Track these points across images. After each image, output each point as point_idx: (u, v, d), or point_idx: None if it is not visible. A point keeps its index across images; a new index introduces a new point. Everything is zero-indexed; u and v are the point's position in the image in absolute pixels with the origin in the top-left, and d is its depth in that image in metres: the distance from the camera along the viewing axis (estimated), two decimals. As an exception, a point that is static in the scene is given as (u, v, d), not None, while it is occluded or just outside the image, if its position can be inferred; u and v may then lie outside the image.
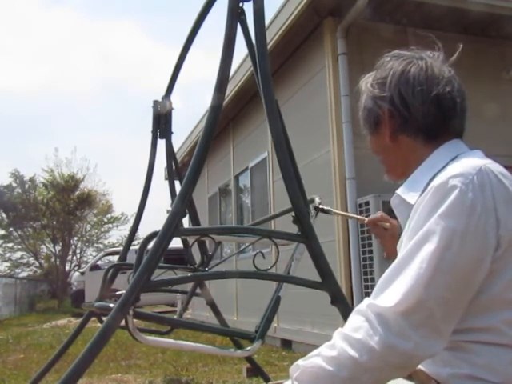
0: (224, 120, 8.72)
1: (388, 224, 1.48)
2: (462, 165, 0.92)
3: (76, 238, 25.79)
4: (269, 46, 5.03)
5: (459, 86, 1.07)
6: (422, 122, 1.03)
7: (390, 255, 1.46)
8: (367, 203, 5.06)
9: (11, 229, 24.29)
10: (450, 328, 0.87)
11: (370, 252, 4.95)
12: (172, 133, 3.70)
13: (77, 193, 23.69)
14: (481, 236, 0.85)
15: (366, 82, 1.12)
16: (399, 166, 1.08)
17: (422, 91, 1.02)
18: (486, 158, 0.98)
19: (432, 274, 0.84)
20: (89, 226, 26.38)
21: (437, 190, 0.89)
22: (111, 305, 2.17)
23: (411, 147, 1.05)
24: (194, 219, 3.73)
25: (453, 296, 0.85)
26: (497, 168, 0.93)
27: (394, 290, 0.86)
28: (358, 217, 1.94)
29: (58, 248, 24.23)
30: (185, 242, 3.66)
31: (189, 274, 3.31)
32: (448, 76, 1.05)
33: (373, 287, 0.96)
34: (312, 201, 2.39)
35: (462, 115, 1.09)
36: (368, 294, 0.97)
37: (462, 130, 1.10)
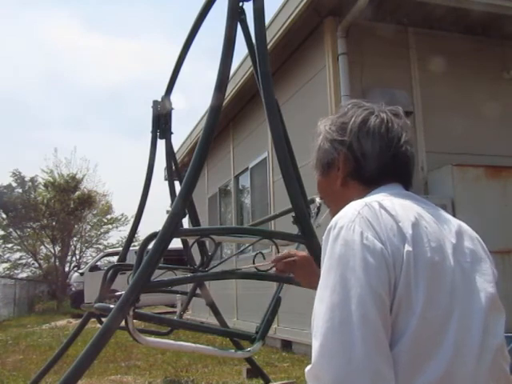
0: (224, 120, 8.72)
1: (295, 257, 1.48)
2: (350, 206, 0.94)
3: (76, 239, 25.79)
4: (269, 46, 5.01)
5: (410, 137, 1.10)
6: (375, 171, 1.05)
7: (305, 286, 1.48)
8: (367, 203, 5.05)
9: (10, 229, 24.28)
10: None
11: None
12: (172, 133, 3.70)
13: (77, 193, 23.69)
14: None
15: (325, 124, 1.15)
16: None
17: (380, 143, 1.05)
18: (384, 195, 0.99)
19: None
20: (88, 227, 26.39)
21: (326, 232, 0.92)
22: (111, 306, 2.17)
23: (359, 192, 1.06)
24: (194, 219, 3.72)
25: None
26: (386, 203, 0.93)
27: (313, 349, 0.86)
28: (263, 263, 1.78)
29: (57, 249, 24.23)
30: (185, 242, 3.65)
31: (189, 275, 3.30)
32: (406, 131, 1.08)
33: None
34: (312, 201, 2.39)
35: (413, 165, 1.10)
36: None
37: (410, 176, 1.10)
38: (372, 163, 1.05)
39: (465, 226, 1.04)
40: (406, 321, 0.84)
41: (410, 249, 0.87)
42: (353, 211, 0.91)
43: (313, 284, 1.28)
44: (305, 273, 1.46)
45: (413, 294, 0.85)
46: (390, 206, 0.92)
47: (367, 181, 1.06)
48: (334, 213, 1.11)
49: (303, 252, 1.49)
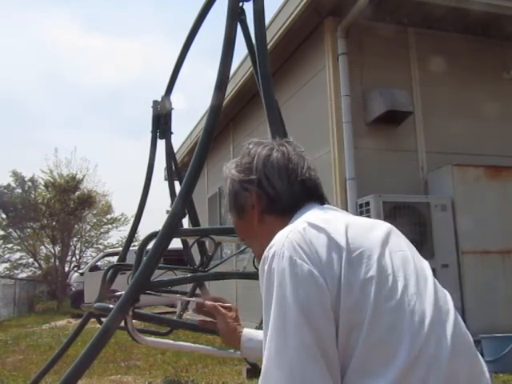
0: (224, 120, 8.72)
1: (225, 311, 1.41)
2: (279, 233, 0.97)
3: (76, 239, 25.77)
4: (269, 46, 5.01)
5: (311, 163, 1.16)
6: (288, 201, 1.09)
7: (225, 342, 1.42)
8: (367, 203, 5.05)
9: (10, 229, 24.27)
10: None
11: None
12: (172, 133, 3.70)
13: (77, 193, 23.68)
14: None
15: (230, 168, 1.18)
16: (266, 245, 1.06)
17: (286, 174, 1.10)
18: (307, 215, 1.02)
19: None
20: (88, 227, 26.37)
21: (261, 262, 0.94)
22: (111, 306, 2.17)
23: (278, 224, 1.07)
24: (194, 220, 3.73)
25: None
26: (311, 221, 0.96)
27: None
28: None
29: (57, 249, 24.20)
30: (184, 242, 3.65)
31: (188, 275, 3.30)
32: (306, 160, 1.15)
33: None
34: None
35: (321, 188, 1.16)
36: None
37: (322, 196, 1.15)
38: (283, 194, 1.09)
39: (390, 225, 1.06)
40: (363, 312, 0.85)
41: (349, 255, 0.89)
42: (281, 238, 0.94)
43: (232, 343, 1.33)
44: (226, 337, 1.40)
45: (360, 299, 0.85)
46: (316, 223, 0.95)
47: (283, 211, 1.09)
48: (257, 252, 1.14)
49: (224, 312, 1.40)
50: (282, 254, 0.90)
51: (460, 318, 0.94)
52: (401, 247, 0.99)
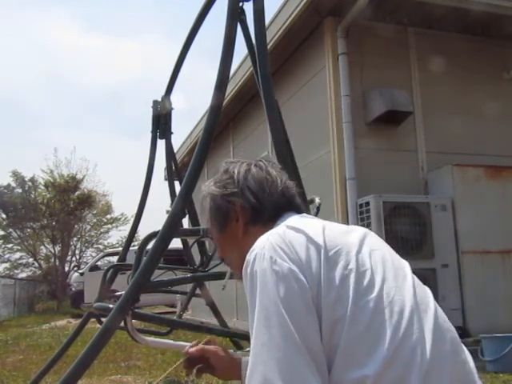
0: (224, 120, 8.72)
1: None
2: (260, 237, 1.00)
3: (75, 239, 25.78)
4: (269, 46, 5.01)
5: (287, 180, 1.20)
6: (272, 211, 1.13)
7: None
8: (367, 203, 5.05)
9: (10, 229, 24.28)
10: None
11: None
12: (172, 133, 3.69)
13: (77, 193, 23.68)
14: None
15: (209, 186, 1.20)
16: None
17: (267, 184, 1.14)
18: (287, 221, 1.06)
19: None
20: (88, 227, 26.39)
21: (244, 264, 0.97)
22: (110, 306, 2.17)
23: (260, 236, 1.08)
24: (194, 219, 3.72)
25: None
26: (291, 224, 1.01)
27: None
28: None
29: (57, 249, 24.21)
30: (185, 242, 3.65)
31: (188, 275, 3.30)
32: (283, 175, 1.19)
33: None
34: (312, 201, 2.38)
35: (298, 199, 1.20)
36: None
37: (300, 207, 1.19)
38: (267, 204, 1.13)
39: (366, 228, 1.10)
40: (343, 307, 0.87)
41: (327, 253, 0.92)
42: (261, 241, 0.97)
43: (234, 374, 1.28)
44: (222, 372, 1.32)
45: (340, 293, 0.88)
46: (295, 225, 1.00)
47: (267, 221, 1.12)
48: (239, 267, 1.11)
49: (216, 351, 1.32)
50: (263, 256, 0.92)
51: (441, 311, 0.96)
52: (378, 246, 1.02)
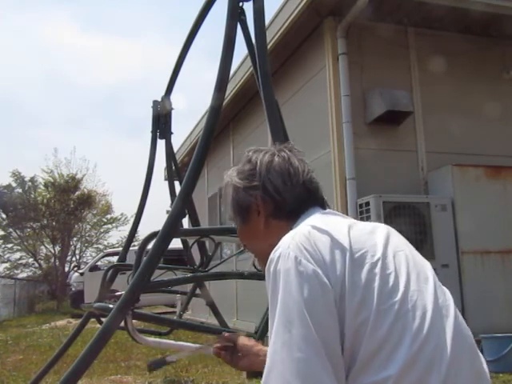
0: (224, 120, 8.71)
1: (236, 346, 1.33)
2: (285, 236, 1.00)
3: (75, 239, 25.79)
4: (269, 46, 5.02)
5: (310, 167, 1.19)
6: (294, 204, 1.12)
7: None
8: (367, 203, 5.05)
9: (10, 229, 24.28)
10: None
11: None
12: (172, 133, 3.69)
13: (77, 193, 23.69)
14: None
15: (232, 175, 1.20)
16: (272, 248, 1.07)
17: (289, 177, 1.13)
18: (311, 219, 1.06)
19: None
20: (88, 227, 26.38)
21: (268, 263, 0.96)
22: (110, 306, 2.17)
23: (283, 228, 1.09)
24: (194, 220, 3.73)
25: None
26: (316, 224, 0.99)
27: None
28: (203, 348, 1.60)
29: (57, 249, 24.22)
30: (185, 242, 3.65)
31: (188, 275, 3.30)
32: (305, 163, 1.18)
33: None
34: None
35: (321, 191, 1.20)
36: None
37: (323, 199, 1.19)
38: (289, 197, 1.12)
39: (388, 226, 1.09)
40: (367, 312, 0.87)
41: (352, 255, 0.92)
42: (286, 240, 0.97)
43: (254, 367, 1.28)
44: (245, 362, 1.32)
45: (364, 297, 0.88)
46: (320, 225, 0.99)
47: (289, 215, 1.12)
48: (260, 254, 1.18)
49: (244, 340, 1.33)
50: (288, 255, 0.92)
51: (460, 316, 0.96)
52: (401, 247, 1.02)
